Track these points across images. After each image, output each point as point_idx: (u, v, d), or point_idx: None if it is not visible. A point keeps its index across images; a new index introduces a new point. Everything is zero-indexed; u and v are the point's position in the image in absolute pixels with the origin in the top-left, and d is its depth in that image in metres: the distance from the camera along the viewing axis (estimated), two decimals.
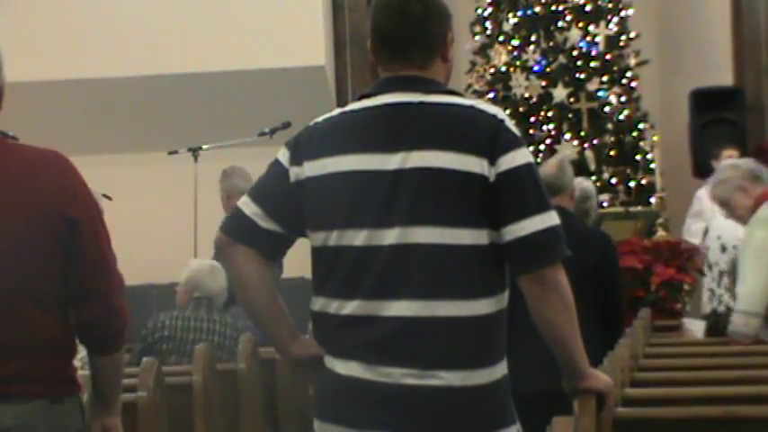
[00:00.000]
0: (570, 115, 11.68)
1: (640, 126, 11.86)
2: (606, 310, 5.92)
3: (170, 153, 9.59)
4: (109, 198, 9.19)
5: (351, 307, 2.96)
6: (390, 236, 2.93)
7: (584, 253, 5.70)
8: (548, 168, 6.34)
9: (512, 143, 2.95)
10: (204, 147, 9.23)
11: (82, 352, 3.36)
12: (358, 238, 2.96)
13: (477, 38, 12.21)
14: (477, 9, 12.22)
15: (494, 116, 2.98)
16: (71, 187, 3.21)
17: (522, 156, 2.95)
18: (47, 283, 3.16)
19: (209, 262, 6.58)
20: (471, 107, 3.01)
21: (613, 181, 11.54)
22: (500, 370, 2.99)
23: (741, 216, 6.27)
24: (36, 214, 3.14)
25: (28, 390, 3.13)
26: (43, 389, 3.16)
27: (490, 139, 2.94)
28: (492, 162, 2.92)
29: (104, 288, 3.23)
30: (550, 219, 2.95)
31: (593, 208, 6.99)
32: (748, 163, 6.34)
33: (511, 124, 2.99)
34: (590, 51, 11.78)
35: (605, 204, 11.26)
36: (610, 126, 11.73)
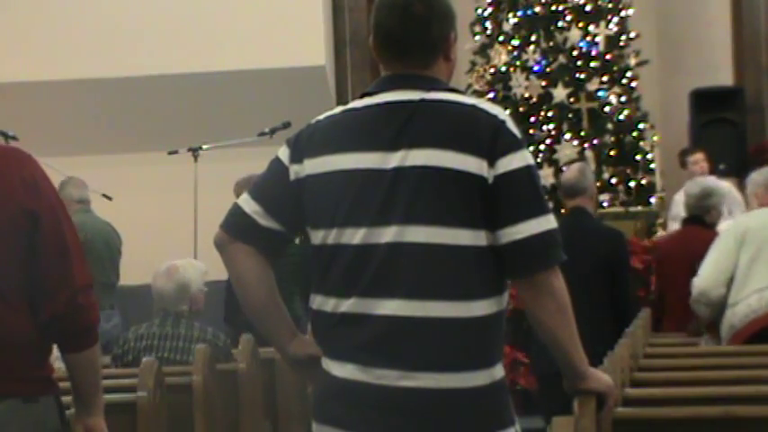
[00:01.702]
0: (570, 115, 11.68)
1: (640, 126, 11.86)
2: (617, 299, 6.55)
3: (170, 153, 9.59)
4: (109, 198, 9.19)
5: (347, 305, 2.95)
6: (387, 234, 2.92)
7: (596, 249, 6.61)
8: (569, 173, 7.06)
9: (511, 145, 2.93)
10: (204, 147, 9.23)
11: (56, 351, 3.33)
12: (356, 236, 2.95)
13: (477, 38, 12.22)
14: (477, 9, 12.22)
15: (495, 116, 2.96)
16: (32, 181, 3.17)
17: (520, 158, 2.93)
18: (11, 279, 3.12)
19: (164, 265, 6.34)
20: (473, 106, 3.00)
21: (613, 181, 11.54)
22: (498, 371, 2.98)
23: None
24: None
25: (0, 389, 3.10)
26: (14, 387, 3.12)
27: (490, 141, 2.92)
28: (491, 163, 2.91)
29: (68, 282, 3.17)
30: (547, 222, 2.93)
31: (714, 205, 7.58)
32: None
33: (512, 125, 2.97)
34: (590, 51, 11.78)
35: (605, 204, 11.27)
36: (610, 126, 11.73)
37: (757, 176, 6.47)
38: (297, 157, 3.04)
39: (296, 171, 3.04)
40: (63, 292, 3.16)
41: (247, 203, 3.07)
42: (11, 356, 3.12)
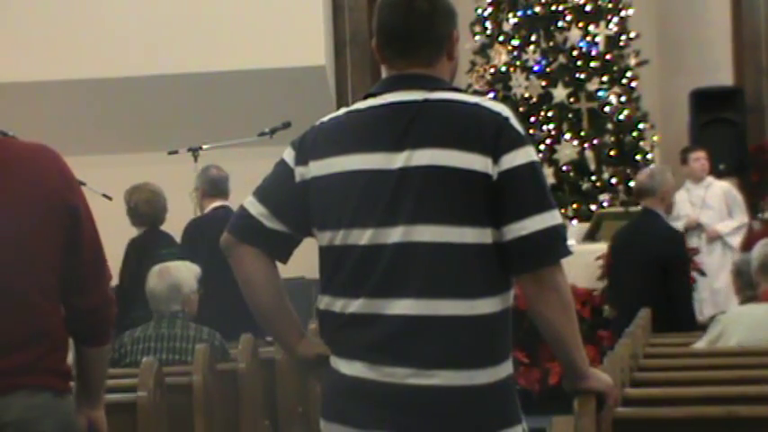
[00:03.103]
0: (570, 115, 11.68)
1: (640, 126, 11.86)
2: (673, 293, 7.30)
3: (170, 153, 9.57)
4: (109, 198, 9.18)
5: (355, 305, 2.97)
6: (394, 234, 2.94)
7: (651, 249, 7.37)
8: (640, 174, 7.87)
9: (515, 141, 2.95)
10: (204, 147, 9.21)
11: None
12: (363, 237, 2.96)
13: (477, 38, 12.21)
14: (477, 9, 12.22)
15: (498, 114, 2.97)
16: (66, 175, 3.24)
17: (524, 154, 2.94)
18: (51, 272, 3.18)
19: (158, 266, 6.26)
20: (476, 104, 3.00)
21: (613, 181, 11.54)
22: (504, 369, 2.99)
23: None
24: (41, 204, 3.16)
25: (37, 380, 3.14)
26: (48, 381, 3.17)
27: (494, 138, 2.93)
28: (495, 160, 2.92)
29: (102, 276, 3.28)
30: (552, 218, 2.94)
31: None
32: None
33: (516, 122, 2.98)
34: (590, 51, 11.78)
35: (605, 204, 11.27)
36: (610, 126, 11.73)
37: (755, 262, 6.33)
38: (302, 160, 3.05)
39: (301, 173, 3.05)
40: (100, 285, 3.27)
41: (253, 206, 3.09)
42: (47, 350, 3.17)
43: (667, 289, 7.32)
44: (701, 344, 6.05)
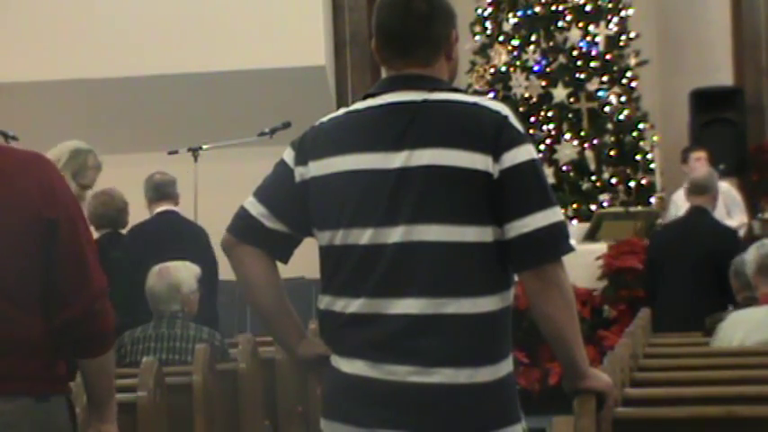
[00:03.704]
0: (570, 115, 11.68)
1: (640, 126, 11.86)
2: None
3: (170, 153, 9.57)
4: None
5: (356, 305, 2.98)
6: (395, 234, 2.94)
7: (704, 245, 7.62)
8: (700, 172, 8.24)
9: (515, 139, 2.96)
10: (204, 147, 9.21)
11: None
12: (363, 236, 2.97)
13: (477, 38, 12.21)
14: (477, 9, 12.21)
15: (498, 112, 2.98)
16: (50, 188, 3.18)
17: (525, 152, 2.95)
18: (25, 282, 3.14)
19: (158, 266, 6.27)
20: (475, 104, 3.01)
21: (613, 181, 11.54)
22: (505, 367, 3.00)
23: None
24: (13, 214, 3.12)
25: (11, 387, 3.11)
26: (27, 387, 3.13)
27: (494, 136, 2.94)
28: (496, 159, 2.93)
29: (83, 289, 3.19)
30: (554, 215, 2.95)
31: None
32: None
33: (515, 120, 2.99)
34: (590, 51, 11.77)
35: (605, 204, 11.27)
36: (610, 126, 11.72)
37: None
38: (301, 160, 3.06)
39: (301, 173, 3.06)
40: (81, 298, 3.18)
41: (253, 206, 3.09)
42: (23, 358, 3.14)
43: (726, 286, 7.32)
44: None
